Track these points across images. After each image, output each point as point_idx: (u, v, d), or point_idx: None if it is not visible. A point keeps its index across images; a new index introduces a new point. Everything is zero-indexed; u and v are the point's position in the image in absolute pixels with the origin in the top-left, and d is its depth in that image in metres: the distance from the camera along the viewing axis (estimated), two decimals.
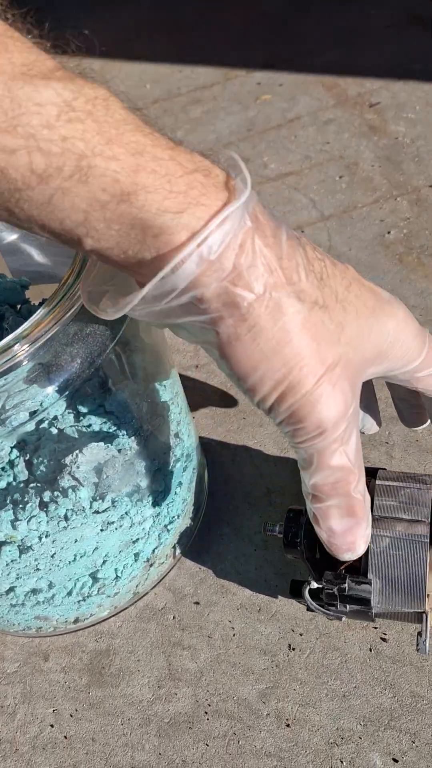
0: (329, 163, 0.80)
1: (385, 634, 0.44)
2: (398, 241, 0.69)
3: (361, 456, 0.34)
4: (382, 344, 0.33)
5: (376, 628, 0.45)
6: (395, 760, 0.40)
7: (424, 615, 0.38)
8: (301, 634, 0.45)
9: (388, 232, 0.70)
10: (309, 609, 0.40)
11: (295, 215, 0.74)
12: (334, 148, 0.81)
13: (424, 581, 0.38)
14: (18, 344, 0.33)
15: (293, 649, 0.45)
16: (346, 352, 0.31)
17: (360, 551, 0.35)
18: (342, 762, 0.40)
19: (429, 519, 0.39)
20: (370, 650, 0.44)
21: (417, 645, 0.38)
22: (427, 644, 0.37)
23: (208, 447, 0.57)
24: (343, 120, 0.85)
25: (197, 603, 0.48)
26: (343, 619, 0.40)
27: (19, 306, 0.51)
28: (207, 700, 0.44)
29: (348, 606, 0.39)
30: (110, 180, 0.26)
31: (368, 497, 0.35)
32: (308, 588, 0.40)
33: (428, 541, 0.38)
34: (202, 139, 0.88)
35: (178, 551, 0.49)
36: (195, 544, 0.51)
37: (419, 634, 0.38)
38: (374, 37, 0.96)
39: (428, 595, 0.38)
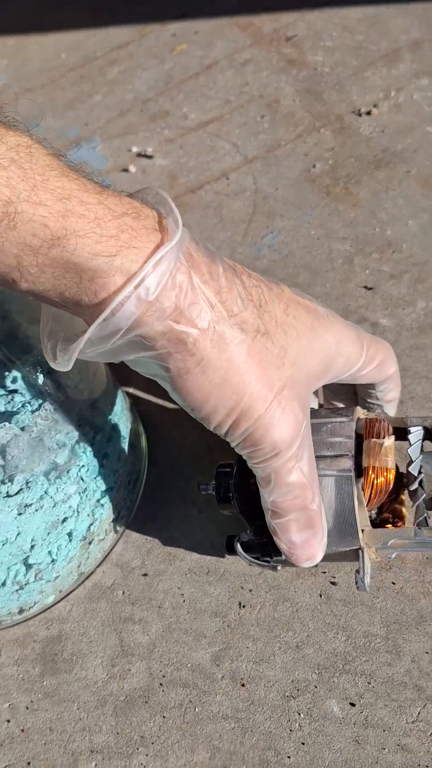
0: (249, 104, 0.76)
1: (334, 578, 0.42)
2: (324, 173, 0.66)
3: (315, 470, 0.35)
4: (326, 358, 0.35)
5: (324, 572, 0.43)
6: (352, 704, 0.38)
7: (360, 551, 0.36)
8: (250, 590, 0.44)
9: (314, 166, 0.67)
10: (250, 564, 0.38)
11: (218, 162, 0.71)
12: (253, 89, 0.78)
13: (354, 516, 0.36)
14: None
15: (243, 607, 0.43)
16: (291, 374, 0.33)
17: (318, 559, 0.36)
18: (299, 714, 0.39)
19: (352, 452, 0.37)
20: (320, 596, 0.42)
21: (356, 583, 0.36)
22: (366, 581, 0.36)
23: (147, 413, 0.55)
24: (261, 58, 0.81)
25: (145, 575, 0.46)
26: (279, 568, 0.38)
27: None
28: (161, 671, 0.42)
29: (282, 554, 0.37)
30: (39, 225, 0.26)
31: (323, 507, 0.36)
32: (240, 541, 0.38)
33: (353, 474, 0.36)
34: (120, 99, 0.84)
35: (119, 525, 0.48)
36: (139, 515, 0.49)
37: (357, 571, 0.36)
38: None
39: (363, 530, 0.36)
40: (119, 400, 0.48)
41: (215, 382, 0.31)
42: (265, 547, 0.37)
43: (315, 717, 0.38)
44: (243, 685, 0.41)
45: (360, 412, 0.39)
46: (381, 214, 0.61)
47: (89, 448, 0.43)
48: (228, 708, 0.40)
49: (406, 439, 0.38)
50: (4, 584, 0.42)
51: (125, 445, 0.47)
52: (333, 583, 0.42)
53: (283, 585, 0.43)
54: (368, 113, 0.69)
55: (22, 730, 0.43)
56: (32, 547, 0.42)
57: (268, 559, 0.38)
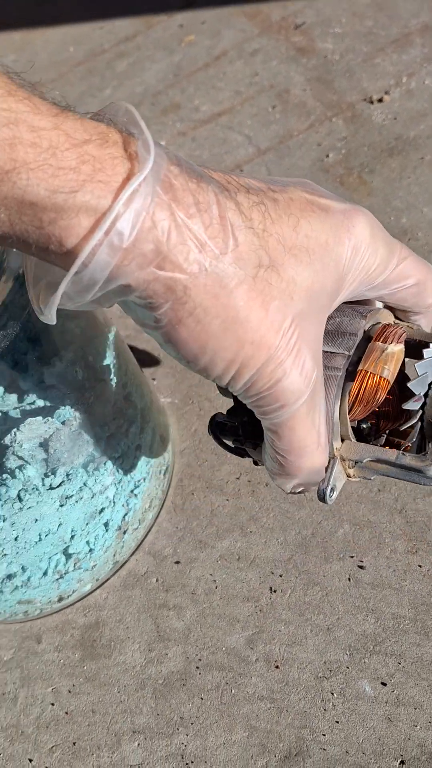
0: (260, 95, 0.77)
1: (362, 561, 0.44)
2: (337, 162, 0.66)
3: (330, 421, 0.31)
4: (339, 273, 0.29)
5: (352, 557, 0.44)
6: (384, 684, 0.40)
7: (331, 461, 0.32)
8: (281, 575, 0.45)
9: (327, 156, 0.67)
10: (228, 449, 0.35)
11: (231, 155, 0.72)
12: (263, 79, 0.78)
13: (332, 419, 0.31)
14: None
15: (275, 591, 0.45)
16: (302, 309, 0.28)
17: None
18: (333, 694, 0.40)
19: (351, 351, 0.32)
20: (349, 579, 0.44)
21: (317, 493, 0.32)
22: (328, 493, 0.31)
23: (172, 406, 0.56)
24: (270, 47, 0.81)
25: (178, 562, 0.48)
26: (247, 458, 0.35)
27: None
28: (197, 655, 0.44)
29: (253, 442, 0.34)
30: None
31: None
32: (215, 421, 0.35)
33: (341, 375, 0.31)
34: (130, 92, 0.85)
35: (151, 514, 0.49)
36: (169, 504, 0.50)
37: (322, 481, 0.32)
38: None
39: (342, 440, 0.32)
40: (149, 392, 0.49)
41: (212, 332, 0.27)
42: (237, 431, 0.34)
43: (348, 696, 0.40)
44: (277, 667, 0.42)
45: (384, 315, 0.33)
46: (396, 202, 0.62)
47: (124, 440, 0.44)
48: (263, 689, 0.42)
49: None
50: (45, 573, 0.44)
51: (156, 436, 0.49)
52: (361, 567, 0.44)
53: (312, 570, 0.45)
54: (380, 100, 0.70)
55: (66, 713, 0.44)
56: (72, 537, 0.43)
57: (242, 447, 0.34)
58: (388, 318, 0.33)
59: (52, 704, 0.45)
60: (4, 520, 0.40)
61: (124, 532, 0.47)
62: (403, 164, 0.64)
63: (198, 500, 0.50)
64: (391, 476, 0.32)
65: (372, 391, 0.31)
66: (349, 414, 0.32)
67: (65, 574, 0.45)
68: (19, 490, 0.39)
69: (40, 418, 0.39)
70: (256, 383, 0.28)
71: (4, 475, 0.39)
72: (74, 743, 0.43)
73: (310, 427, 0.29)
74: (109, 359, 0.44)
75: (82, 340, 0.43)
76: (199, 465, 0.52)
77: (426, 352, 0.32)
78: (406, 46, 0.74)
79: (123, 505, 0.46)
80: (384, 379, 0.31)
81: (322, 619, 0.43)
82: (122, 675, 0.45)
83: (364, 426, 0.34)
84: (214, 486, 0.50)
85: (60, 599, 0.47)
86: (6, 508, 0.39)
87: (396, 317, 0.34)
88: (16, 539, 0.41)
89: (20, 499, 0.39)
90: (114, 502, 0.45)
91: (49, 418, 0.39)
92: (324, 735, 0.39)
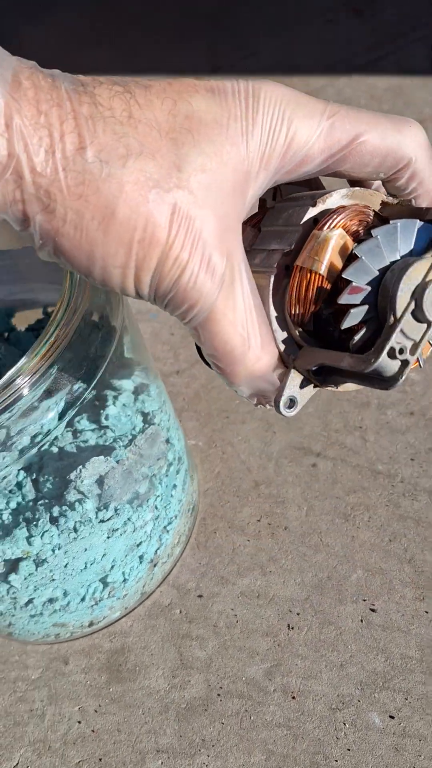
0: None
1: (373, 605, 0.49)
2: None
3: (258, 313, 0.27)
4: (240, 159, 0.25)
5: (364, 600, 0.49)
6: (392, 717, 0.44)
7: (288, 371, 0.28)
8: (298, 614, 0.49)
9: None
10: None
11: None
12: None
13: (266, 322, 0.28)
14: (20, 378, 0.36)
15: (292, 628, 0.49)
16: (194, 199, 0.25)
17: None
18: (345, 724, 0.44)
19: (291, 246, 0.28)
20: (362, 621, 0.48)
21: (275, 405, 0.28)
22: (282, 402, 0.28)
23: (196, 448, 0.60)
24: None
25: (200, 596, 0.52)
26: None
27: (6, 334, 0.54)
28: (218, 683, 0.48)
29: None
30: None
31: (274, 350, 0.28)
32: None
33: (273, 273, 0.28)
34: None
35: (178, 550, 0.53)
36: (193, 541, 0.55)
37: (277, 390, 0.28)
38: (314, 31, 0.99)
39: (300, 345, 0.29)
40: (182, 436, 0.54)
41: (93, 237, 0.24)
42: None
43: (359, 727, 0.44)
44: (293, 697, 0.46)
45: (359, 195, 0.28)
46: None
47: (164, 479, 0.49)
48: (280, 717, 0.46)
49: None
50: (83, 599, 0.48)
51: (187, 477, 0.53)
52: (372, 610, 0.48)
53: (327, 610, 0.49)
54: None
55: (93, 731, 0.48)
56: (112, 567, 0.47)
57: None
58: (365, 198, 0.28)
59: (79, 722, 0.48)
60: (59, 548, 0.43)
61: (155, 565, 0.51)
62: None
63: (220, 539, 0.54)
64: (351, 382, 0.28)
65: (303, 288, 0.27)
66: (291, 317, 0.28)
67: (100, 601, 0.49)
68: (76, 522, 0.43)
69: (102, 457, 0.43)
70: (159, 286, 0.26)
71: (64, 507, 0.43)
72: (100, 759, 0.46)
73: (231, 330, 0.27)
74: (157, 404, 0.49)
75: (134, 386, 0.48)
76: (221, 506, 0.56)
77: (374, 232, 0.26)
78: None
79: (157, 540, 0.50)
80: (316, 272, 0.27)
81: (336, 656, 0.47)
82: (147, 698, 0.48)
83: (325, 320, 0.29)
84: (235, 526, 0.55)
85: (90, 624, 0.51)
86: (63, 537, 0.43)
87: (392, 195, 0.29)
88: (65, 566, 0.45)
89: (75, 530, 0.43)
90: (151, 537, 0.49)
91: (108, 457, 0.44)
92: (336, 761, 0.43)
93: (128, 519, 0.46)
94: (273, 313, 0.28)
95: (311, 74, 0.94)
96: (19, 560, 0.43)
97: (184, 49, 1.05)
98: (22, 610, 0.47)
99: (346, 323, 0.27)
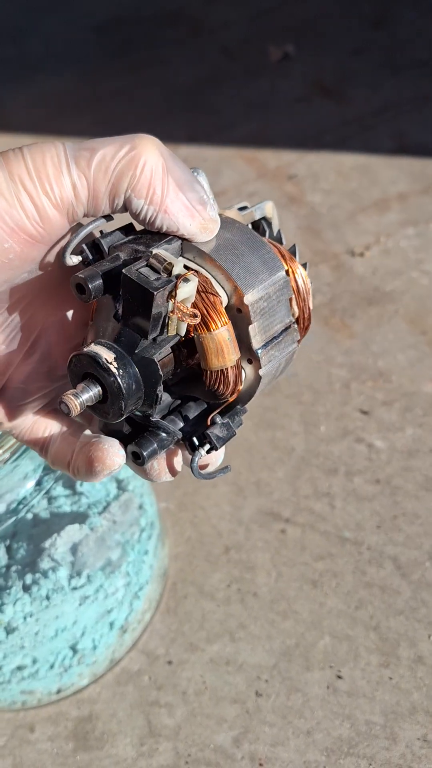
0: None
1: (340, 672, 0.49)
2: (323, 305, 0.76)
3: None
4: None
5: (331, 667, 0.50)
6: None
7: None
8: (266, 681, 0.50)
9: (314, 297, 0.77)
10: None
11: None
12: None
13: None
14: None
15: (260, 695, 0.50)
16: None
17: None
18: None
19: None
20: (328, 688, 0.49)
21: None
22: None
23: (167, 511, 0.61)
24: (265, 192, 0.92)
25: (170, 662, 0.52)
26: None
27: None
28: (186, 751, 0.48)
29: None
30: None
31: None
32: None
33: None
34: None
35: (148, 615, 0.54)
36: (163, 607, 0.55)
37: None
38: (286, 109, 1.05)
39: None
40: (155, 500, 0.55)
41: None
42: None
43: None
44: (261, 765, 0.47)
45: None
46: (373, 347, 0.71)
47: (136, 545, 0.50)
48: None
49: None
50: (52, 667, 0.48)
51: (159, 542, 0.54)
52: (339, 677, 0.49)
53: (295, 677, 0.50)
54: (361, 255, 0.80)
55: None
56: (83, 634, 0.48)
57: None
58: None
59: None
60: (31, 616, 0.44)
61: (125, 632, 0.51)
62: (380, 313, 0.74)
63: (190, 604, 0.55)
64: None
65: None
66: None
67: (69, 668, 0.49)
68: (49, 590, 0.44)
69: (77, 525, 0.44)
70: None
71: (38, 575, 0.44)
72: None
73: None
74: (131, 471, 0.50)
75: None
76: (192, 570, 0.57)
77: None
78: (384, 210, 0.85)
79: (128, 606, 0.51)
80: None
81: (303, 723, 0.48)
82: (114, 767, 0.48)
83: None
84: (205, 592, 0.56)
85: (58, 691, 0.51)
86: (35, 605, 0.44)
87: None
88: (36, 634, 0.45)
89: (48, 598, 0.44)
90: (122, 603, 0.50)
91: (83, 525, 0.45)
92: None
93: (100, 586, 0.47)
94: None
95: (283, 148, 0.99)
96: None
97: (164, 120, 1.09)
98: None
99: None
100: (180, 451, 0.32)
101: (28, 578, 0.43)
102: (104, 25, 1.34)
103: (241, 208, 0.33)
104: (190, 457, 0.30)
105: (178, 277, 0.27)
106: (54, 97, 1.19)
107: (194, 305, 0.28)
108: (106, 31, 1.33)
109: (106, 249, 0.28)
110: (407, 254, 0.79)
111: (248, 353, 0.29)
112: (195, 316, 0.27)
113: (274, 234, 0.33)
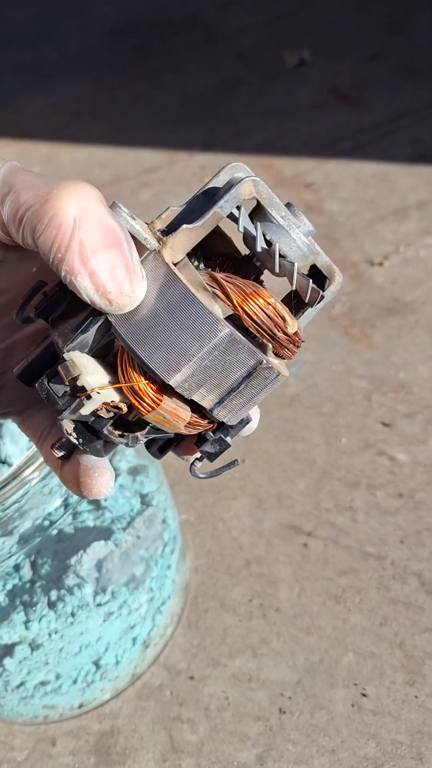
0: None
1: (364, 690, 0.49)
2: (343, 314, 0.75)
3: None
4: None
5: (356, 684, 0.49)
6: None
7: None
8: (289, 697, 0.50)
9: (333, 307, 0.76)
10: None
11: None
12: None
13: None
14: (29, 469, 0.37)
15: (284, 712, 0.49)
16: None
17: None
18: None
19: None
20: (353, 706, 0.49)
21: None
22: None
23: (187, 523, 0.61)
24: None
25: (192, 677, 0.52)
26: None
27: None
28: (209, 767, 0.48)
29: None
30: None
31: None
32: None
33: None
34: None
35: (170, 630, 0.53)
36: (185, 621, 0.55)
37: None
38: (303, 116, 1.04)
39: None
40: (176, 514, 0.55)
41: None
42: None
43: None
44: None
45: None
46: (394, 358, 0.70)
47: (160, 560, 0.49)
48: None
49: None
50: (75, 682, 0.47)
51: (181, 556, 0.54)
52: (363, 695, 0.49)
53: (319, 694, 0.50)
54: (380, 264, 0.80)
55: None
56: (106, 650, 0.47)
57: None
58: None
59: None
60: (55, 633, 0.44)
61: (147, 647, 0.51)
62: (400, 324, 0.73)
63: (212, 619, 0.55)
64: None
65: None
66: None
67: (92, 683, 0.49)
68: (74, 606, 0.44)
69: (102, 541, 0.44)
70: None
71: (63, 591, 0.43)
72: None
73: None
74: (155, 485, 0.50)
75: (132, 468, 0.49)
76: (213, 584, 0.57)
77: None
78: (404, 218, 0.85)
79: (150, 621, 0.50)
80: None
81: (327, 741, 0.47)
82: None
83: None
84: (227, 606, 0.55)
85: (80, 706, 0.50)
86: (60, 622, 0.43)
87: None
88: (60, 650, 0.45)
89: (73, 615, 0.44)
90: (144, 618, 0.49)
91: (108, 541, 0.44)
92: None
93: (124, 602, 0.47)
94: None
95: (300, 156, 0.98)
96: (14, 644, 0.43)
97: (180, 126, 1.09)
98: (13, 693, 0.47)
99: None
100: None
101: (53, 594, 0.43)
102: (119, 31, 1.34)
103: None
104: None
105: (81, 393, 0.25)
106: (70, 103, 1.19)
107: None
108: (121, 37, 1.32)
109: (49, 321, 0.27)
110: (427, 264, 0.79)
111: None
112: (119, 408, 0.26)
113: (241, 229, 0.27)
